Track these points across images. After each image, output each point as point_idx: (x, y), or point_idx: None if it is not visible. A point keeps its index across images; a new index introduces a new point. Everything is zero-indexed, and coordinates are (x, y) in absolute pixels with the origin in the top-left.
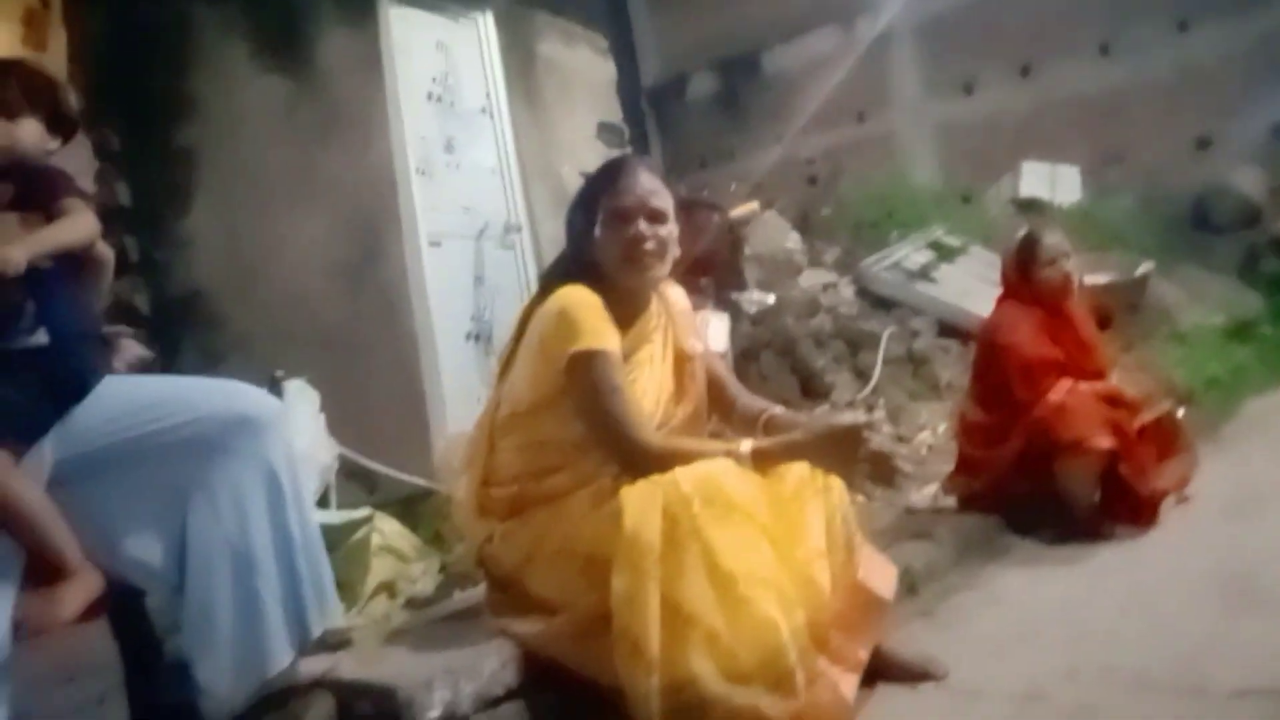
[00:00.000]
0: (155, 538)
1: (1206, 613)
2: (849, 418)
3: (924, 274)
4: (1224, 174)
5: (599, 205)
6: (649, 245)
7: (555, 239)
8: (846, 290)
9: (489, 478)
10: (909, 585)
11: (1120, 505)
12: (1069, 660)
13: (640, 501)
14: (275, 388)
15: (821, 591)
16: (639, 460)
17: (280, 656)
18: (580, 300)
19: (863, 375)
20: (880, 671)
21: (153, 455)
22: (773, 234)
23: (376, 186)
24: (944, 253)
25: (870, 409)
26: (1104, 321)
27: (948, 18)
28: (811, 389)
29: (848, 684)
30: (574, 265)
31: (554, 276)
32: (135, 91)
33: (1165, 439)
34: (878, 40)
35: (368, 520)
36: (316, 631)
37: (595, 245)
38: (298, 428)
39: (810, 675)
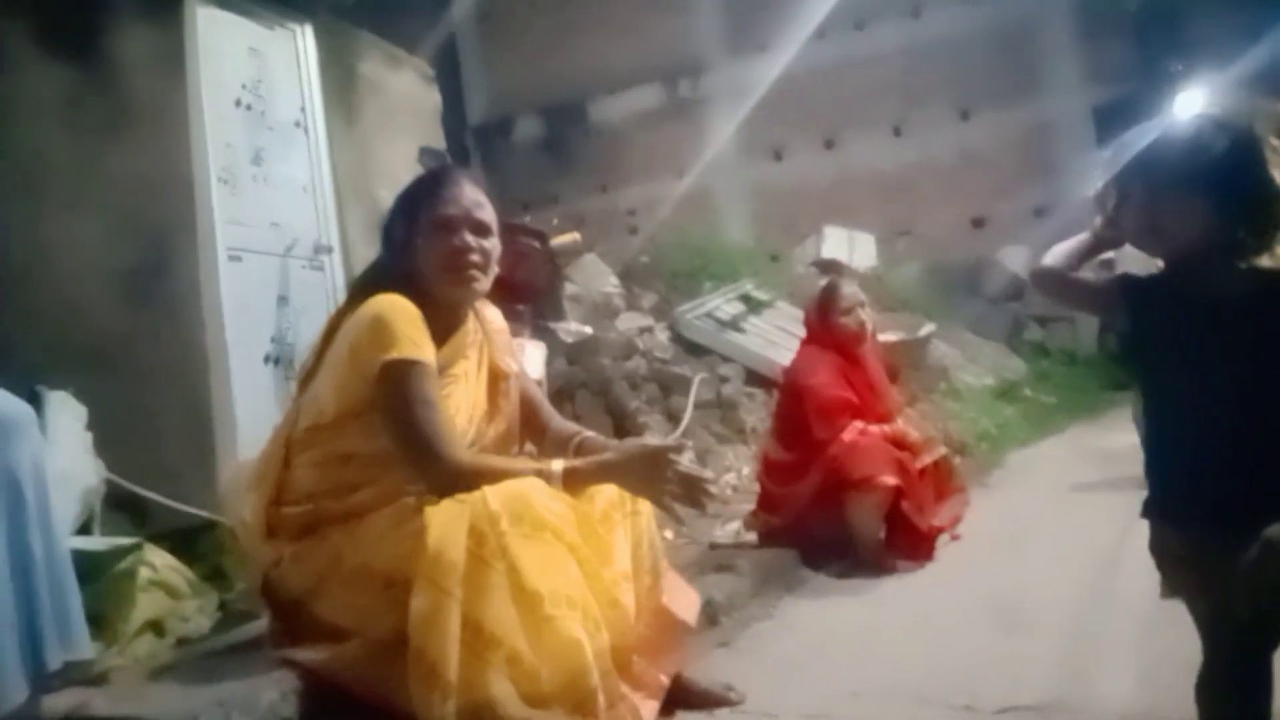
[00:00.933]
0: None
1: (977, 637)
2: (658, 442)
3: (734, 324)
4: (995, 250)
5: (421, 213)
6: (473, 257)
7: (368, 261)
8: (661, 335)
9: (281, 496)
10: (710, 616)
11: (902, 540)
12: (854, 682)
13: (445, 519)
14: (35, 400)
15: (626, 614)
16: (447, 477)
17: (14, 692)
18: (397, 308)
19: (674, 418)
20: (679, 699)
21: None
22: (593, 276)
23: (170, 192)
24: (753, 305)
25: (680, 450)
26: (891, 376)
27: (761, 88)
28: (624, 429)
29: (648, 710)
30: (390, 275)
31: (367, 285)
32: None
33: (942, 480)
34: (698, 102)
35: (135, 549)
36: (54, 664)
37: (415, 254)
38: (57, 442)
39: (611, 698)
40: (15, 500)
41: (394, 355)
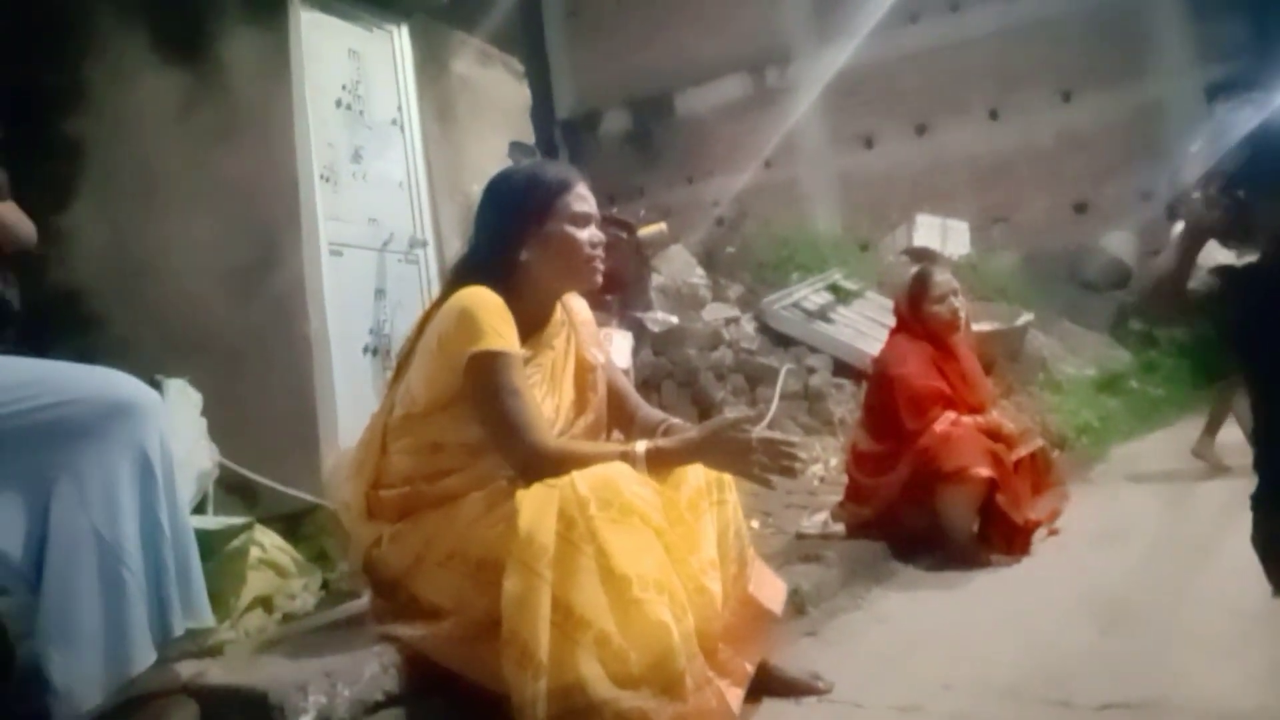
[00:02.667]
0: (14, 526)
1: (1075, 633)
2: (737, 414)
3: (822, 315)
4: (1098, 237)
5: (548, 207)
6: (601, 252)
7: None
8: (748, 326)
9: (379, 480)
10: (797, 605)
11: (996, 535)
12: (945, 676)
13: (535, 504)
14: (155, 388)
15: (713, 600)
16: (535, 463)
17: (143, 655)
18: (483, 301)
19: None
20: (766, 686)
21: (15, 437)
22: (679, 267)
23: (276, 191)
24: (841, 295)
25: (760, 419)
26: (985, 368)
27: (851, 75)
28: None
29: (734, 696)
30: (483, 267)
31: (459, 278)
32: (20, 79)
33: (1039, 473)
34: (785, 91)
35: (247, 528)
36: (178, 630)
37: (526, 248)
38: (176, 428)
39: (699, 682)
40: (146, 477)
41: (480, 347)
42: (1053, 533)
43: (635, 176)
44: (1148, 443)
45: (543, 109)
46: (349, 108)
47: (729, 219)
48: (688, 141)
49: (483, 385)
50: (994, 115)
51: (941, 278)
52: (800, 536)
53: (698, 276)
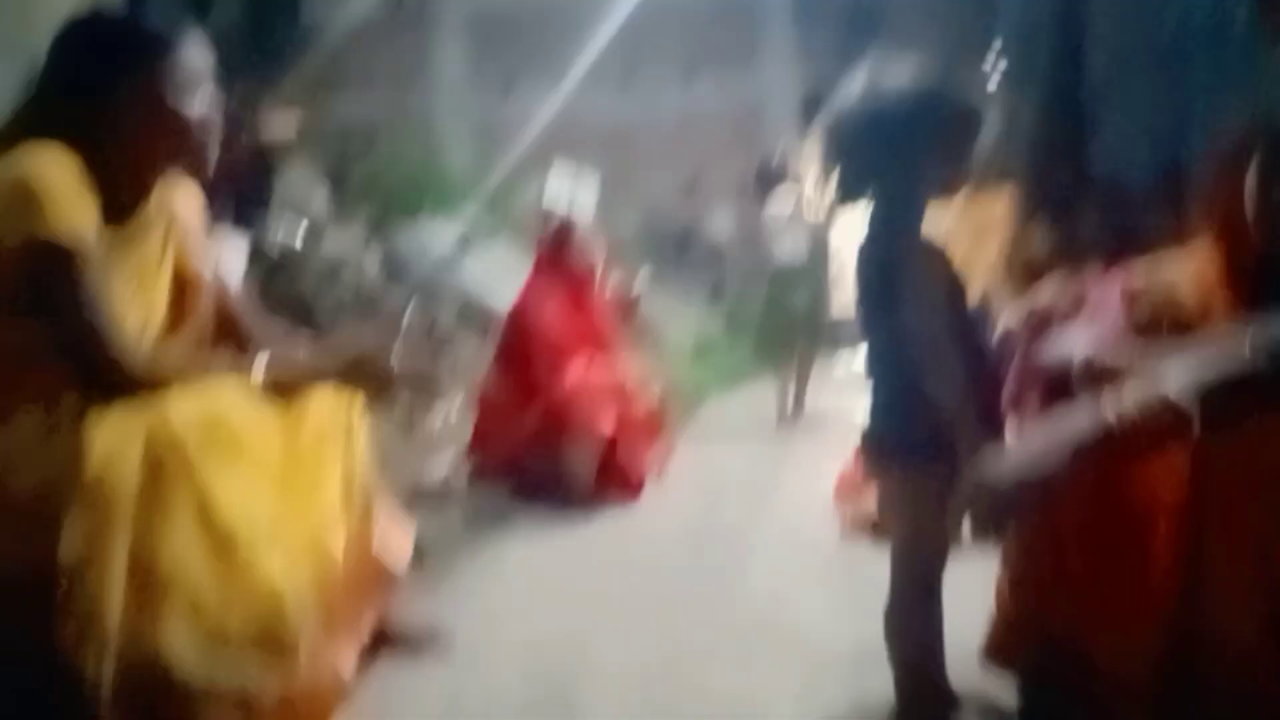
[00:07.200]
0: None
1: (683, 570)
2: (375, 337)
3: (451, 258)
4: (703, 214)
5: (154, 61)
6: (214, 135)
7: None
8: (373, 261)
9: None
10: (417, 557)
11: (612, 480)
12: (564, 619)
13: (114, 432)
14: None
15: (332, 557)
16: (116, 373)
17: None
18: (49, 166)
19: None
20: (382, 641)
21: None
22: (301, 182)
23: None
24: (473, 238)
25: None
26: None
27: (493, 18)
28: None
29: (346, 659)
30: (62, 117)
31: (21, 128)
32: None
33: (653, 426)
34: (427, 19)
35: None
36: None
37: (118, 106)
38: None
39: (311, 652)
40: None
41: (41, 231)
42: (659, 477)
43: (258, 74)
44: (733, 400)
45: None
46: None
47: (359, 139)
48: (317, 51)
49: (45, 277)
50: (623, 87)
51: (585, 224)
52: (421, 485)
53: (319, 199)
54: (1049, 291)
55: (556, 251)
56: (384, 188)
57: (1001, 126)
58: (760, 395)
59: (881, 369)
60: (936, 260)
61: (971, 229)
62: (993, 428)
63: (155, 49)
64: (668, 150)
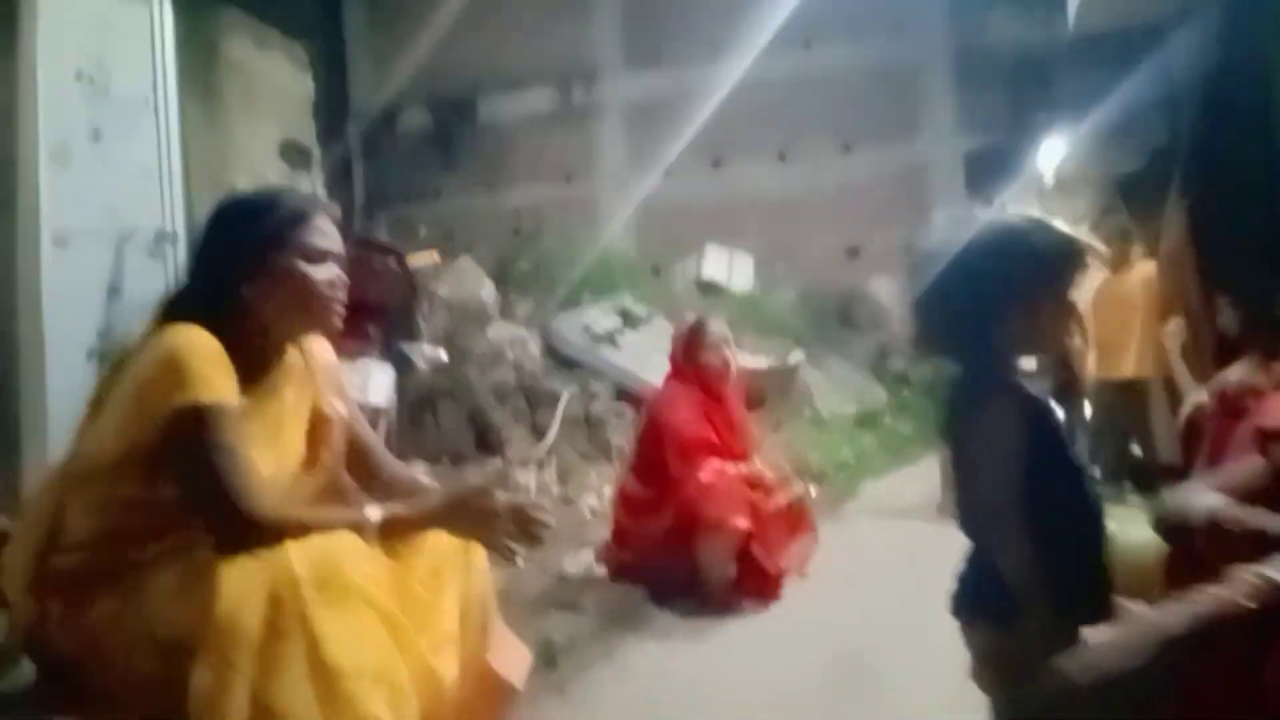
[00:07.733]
0: None
1: (816, 687)
2: (477, 478)
3: (609, 339)
4: (866, 280)
5: (279, 239)
6: (343, 294)
7: None
8: (533, 346)
9: (54, 542)
10: (548, 659)
11: (750, 581)
12: None
13: (240, 582)
14: None
15: (441, 682)
16: (247, 532)
17: None
18: (193, 343)
19: (539, 432)
20: None
21: None
22: (467, 281)
23: None
24: (630, 320)
25: (541, 466)
26: (753, 403)
27: (653, 102)
28: (487, 443)
29: None
30: (200, 301)
31: (170, 311)
32: None
33: (794, 521)
34: (590, 109)
35: None
36: None
37: (249, 282)
38: None
39: None
40: None
41: (185, 399)
42: (802, 576)
43: (432, 178)
44: (896, 479)
45: (336, 99)
46: (91, 81)
47: (526, 232)
48: (488, 148)
49: (187, 443)
50: (782, 158)
51: (715, 327)
52: (562, 579)
53: (486, 292)
54: (1241, 370)
55: (690, 350)
56: (549, 273)
57: (1178, 199)
58: (923, 472)
59: (962, 525)
60: (1013, 420)
61: (1115, 304)
62: (1083, 588)
63: (284, 225)
64: (829, 218)
